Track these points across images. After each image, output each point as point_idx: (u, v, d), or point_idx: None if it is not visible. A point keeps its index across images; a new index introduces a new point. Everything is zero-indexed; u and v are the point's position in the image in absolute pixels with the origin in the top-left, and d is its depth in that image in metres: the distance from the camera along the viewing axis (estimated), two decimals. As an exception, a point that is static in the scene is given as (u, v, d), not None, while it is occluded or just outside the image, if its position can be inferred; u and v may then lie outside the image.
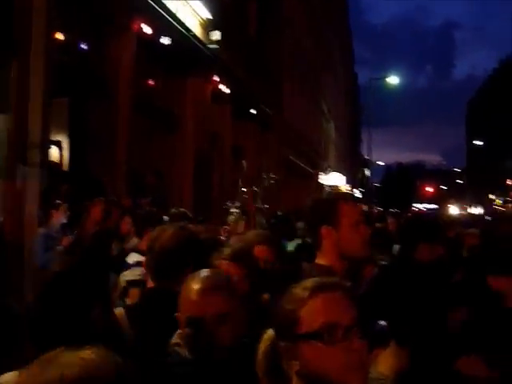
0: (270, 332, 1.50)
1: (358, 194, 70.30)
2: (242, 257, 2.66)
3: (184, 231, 2.82)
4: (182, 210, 5.81)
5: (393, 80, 36.30)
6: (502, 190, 53.59)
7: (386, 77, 37.69)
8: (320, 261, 2.57)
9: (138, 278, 3.89)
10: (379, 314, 3.11)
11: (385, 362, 2.18)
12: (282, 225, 6.21)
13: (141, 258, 4.11)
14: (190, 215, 5.73)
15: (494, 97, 60.15)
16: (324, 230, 2.52)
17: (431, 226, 4.21)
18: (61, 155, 9.01)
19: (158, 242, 2.73)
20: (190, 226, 4.90)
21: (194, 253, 2.64)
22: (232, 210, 9.75)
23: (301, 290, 1.38)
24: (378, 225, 8.08)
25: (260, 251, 3.04)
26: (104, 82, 8.96)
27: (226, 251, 2.72)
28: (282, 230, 5.77)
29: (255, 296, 2.65)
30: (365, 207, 54.31)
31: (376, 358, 2.18)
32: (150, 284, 2.81)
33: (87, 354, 0.99)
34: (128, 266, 4.08)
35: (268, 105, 17.91)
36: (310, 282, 1.39)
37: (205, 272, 1.97)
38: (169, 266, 2.60)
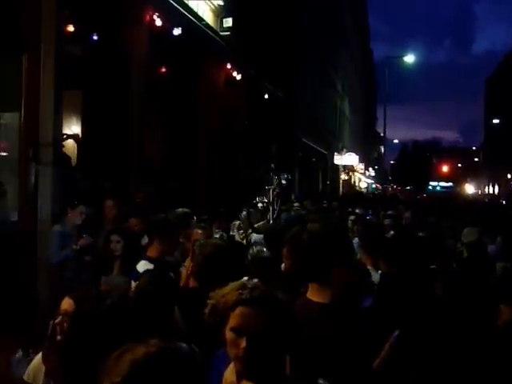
0: None
1: (372, 172, 69.97)
2: None
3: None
4: (184, 210, 5.80)
5: (409, 58, 35.84)
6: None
7: (402, 55, 37.19)
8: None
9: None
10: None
11: None
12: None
13: (150, 266, 4.17)
14: (192, 215, 5.71)
15: (507, 76, 58.96)
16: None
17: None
18: (78, 149, 9.08)
19: (202, 252, 3.43)
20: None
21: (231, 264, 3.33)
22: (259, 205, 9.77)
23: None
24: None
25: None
26: (117, 73, 8.94)
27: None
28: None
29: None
30: (379, 186, 53.84)
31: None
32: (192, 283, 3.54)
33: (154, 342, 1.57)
34: (138, 275, 4.12)
35: (280, 87, 17.77)
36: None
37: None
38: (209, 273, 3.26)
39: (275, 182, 9.41)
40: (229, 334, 1.93)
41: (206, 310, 2.09)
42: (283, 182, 12.21)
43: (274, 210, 8.72)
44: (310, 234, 2.75)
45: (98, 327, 2.29)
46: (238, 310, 1.93)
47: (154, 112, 10.48)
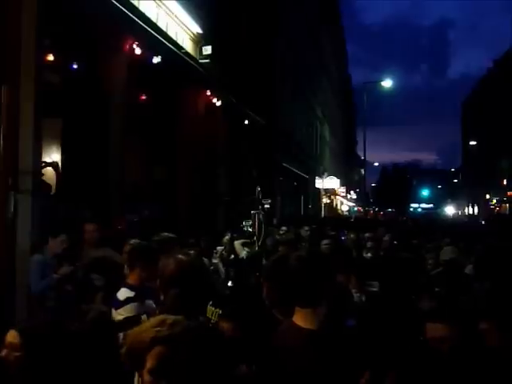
0: None
1: (353, 195, 70.43)
2: None
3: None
4: (168, 235, 5.75)
5: (387, 83, 36.40)
6: (498, 190, 53.68)
7: (380, 80, 37.80)
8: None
9: (132, 314, 3.95)
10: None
11: None
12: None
13: (131, 294, 4.13)
14: (177, 240, 5.67)
15: (489, 97, 60.28)
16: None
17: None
18: (57, 177, 9.03)
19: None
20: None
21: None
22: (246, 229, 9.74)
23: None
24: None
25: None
26: (97, 101, 8.99)
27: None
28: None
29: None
30: (360, 209, 54.07)
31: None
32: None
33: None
34: (119, 303, 4.08)
35: (260, 113, 17.95)
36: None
37: None
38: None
39: (260, 206, 9.45)
40: (146, 377, 1.74)
41: (122, 351, 1.89)
42: (266, 206, 12.29)
43: (259, 234, 8.73)
44: (298, 258, 2.76)
45: (53, 354, 2.26)
46: (155, 350, 1.73)
47: (135, 139, 10.50)
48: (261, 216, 8.88)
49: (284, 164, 25.35)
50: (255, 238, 8.63)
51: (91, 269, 4.80)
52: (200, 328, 1.97)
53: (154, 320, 1.88)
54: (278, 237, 11.25)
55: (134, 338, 1.82)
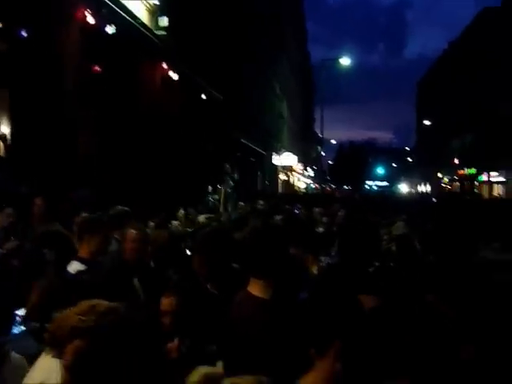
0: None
1: (311, 173, 71.11)
2: None
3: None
4: (121, 208, 5.66)
5: (345, 61, 36.59)
6: (449, 169, 55.16)
7: (338, 58, 37.92)
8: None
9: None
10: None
11: (307, 379, 2.24)
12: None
13: (82, 267, 4.06)
14: (130, 214, 5.58)
15: (443, 77, 61.39)
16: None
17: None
18: (6, 148, 8.71)
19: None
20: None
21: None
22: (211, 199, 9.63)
23: None
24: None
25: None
26: (48, 71, 8.66)
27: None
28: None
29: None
30: (318, 186, 54.77)
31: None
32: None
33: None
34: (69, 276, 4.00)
35: (218, 88, 17.77)
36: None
37: None
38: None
39: (228, 182, 9.46)
40: (64, 373, 1.48)
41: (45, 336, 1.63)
42: (231, 182, 12.34)
43: (225, 209, 8.73)
44: (253, 230, 2.77)
45: None
46: (74, 344, 1.45)
47: (88, 110, 10.22)
48: (228, 190, 8.91)
49: (241, 140, 25.27)
50: (221, 212, 8.64)
51: (41, 243, 4.67)
52: (136, 320, 1.68)
53: (83, 304, 1.57)
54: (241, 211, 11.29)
55: (57, 323, 1.55)
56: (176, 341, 2.38)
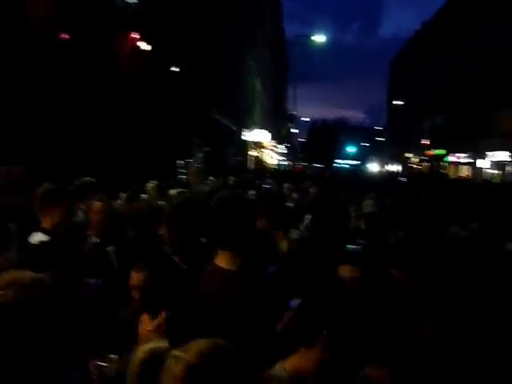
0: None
1: (283, 150, 71.16)
2: None
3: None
4: (87, 180, 5.53)
5: (319, 38, 36.38)
6: (419, 150, 55.84)
7: (312, 35, 37.68)
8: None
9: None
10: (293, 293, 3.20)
11: (291, 362, 2.24)
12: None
13: (46, 238, 3.95)
14: (96, 185, 5.46)
15: (415, 58, 61.74)
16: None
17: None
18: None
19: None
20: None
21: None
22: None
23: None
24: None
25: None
26: (13, 39, 8.34)
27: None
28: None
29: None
30: (290, 163, 55.07)
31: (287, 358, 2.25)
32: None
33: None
34: (31, 247, 3.89)
35: (190, 62, 17.50)
36: None
37: None
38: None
39: (198, 156, 9.36)
40: None
41: None
42: (200, 155, 12.22)
43: (195, 183, 8.63)
44: (220, 199, 2.72)
45: None
46: None
47: (56, 81, 9.93)
48: (198, 165, 8.82)
49: (213, 115, 25.04)
50: (192, 187, 8.54)
51: (3, 216, 4.53)
52: (66, 290, 1.47)
53: (3, 277, 1.36)
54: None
55: None
56: (163, 314, 2.35)
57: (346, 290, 2.89)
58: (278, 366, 2.22)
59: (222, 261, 2.61)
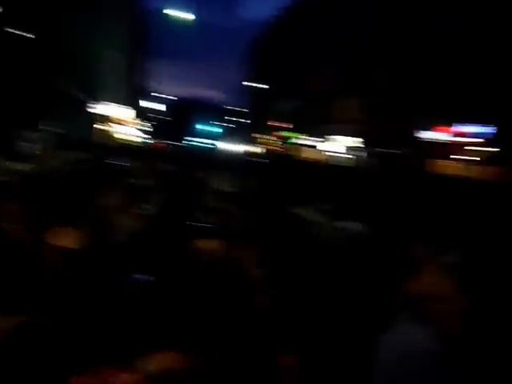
0: None
1: (150, 127, 69.55)
2: None
3: None
4: None
5: (187, 15, 35.78)
6: (266, 131, 58.80)
7: (173, 9, 36.87)
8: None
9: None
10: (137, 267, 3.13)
11: (154, 362, 2.15)
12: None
13: None
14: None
15: (275, 41, 63.31)
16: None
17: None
18: None
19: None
20: None
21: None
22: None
23: None
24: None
25: None
26: None
27: None
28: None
29: None
30: (153, 141, 54.07)
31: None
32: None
33: None
34: None
35: (40, 30, 16.26)
36: None
37: None
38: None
39: (45, 129, 8.79)
40: None
41: None
42: (44, 128, 11.44)
43: (42, 157, 8.09)
44: (57, 175, 2.58)
45: None
46: None
47: None
48: (45, 138, 8.31)
49: (64, 87, 23.66)
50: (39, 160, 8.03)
51: None
52: None
53: None
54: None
55: None
56: None
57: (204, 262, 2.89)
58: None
59: (62, 238, 2.50)
